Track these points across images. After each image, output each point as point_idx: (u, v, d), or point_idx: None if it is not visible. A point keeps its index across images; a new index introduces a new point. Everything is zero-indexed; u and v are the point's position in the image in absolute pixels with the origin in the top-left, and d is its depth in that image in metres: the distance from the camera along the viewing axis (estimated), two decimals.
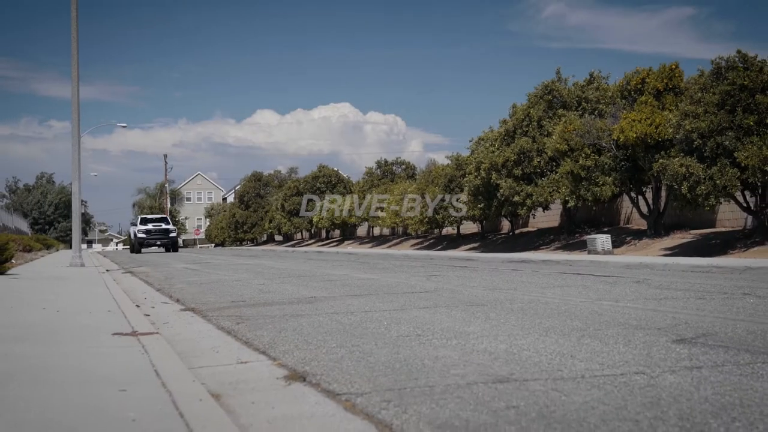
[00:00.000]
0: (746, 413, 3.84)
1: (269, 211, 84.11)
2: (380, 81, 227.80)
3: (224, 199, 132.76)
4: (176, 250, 58.43)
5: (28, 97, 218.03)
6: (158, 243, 57.91)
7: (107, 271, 22.99)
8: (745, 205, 25.51)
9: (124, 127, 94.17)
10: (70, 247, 28.62)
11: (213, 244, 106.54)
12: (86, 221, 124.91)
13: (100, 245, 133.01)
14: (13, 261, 22.82)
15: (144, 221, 61.14)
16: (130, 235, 62.08)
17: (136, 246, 57.95)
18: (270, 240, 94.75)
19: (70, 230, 27.94)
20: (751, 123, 22.58)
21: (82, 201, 36.47)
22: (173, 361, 5.52)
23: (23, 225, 77.22)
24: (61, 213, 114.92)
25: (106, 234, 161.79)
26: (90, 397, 4.32)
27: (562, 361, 5.49)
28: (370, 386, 4.82)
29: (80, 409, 4.04)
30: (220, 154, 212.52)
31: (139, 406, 4.08)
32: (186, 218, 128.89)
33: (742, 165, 22.41)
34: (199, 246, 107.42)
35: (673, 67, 30.22)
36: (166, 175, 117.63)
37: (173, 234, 59.93)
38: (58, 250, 64.93)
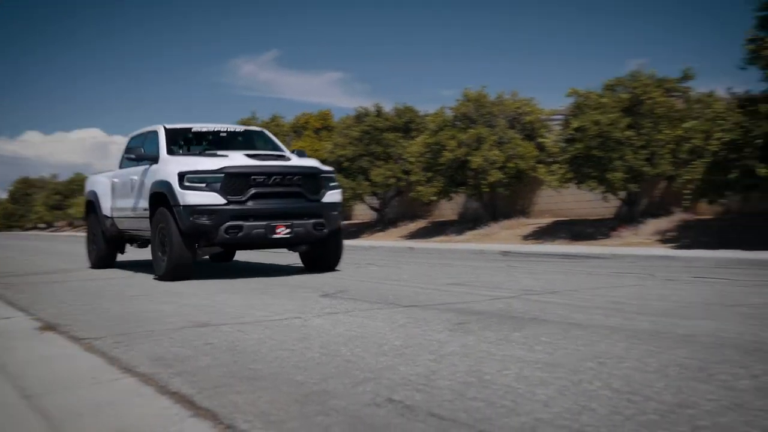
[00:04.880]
0: (365, 342, 4.09)
1: (35, 205, 77.59)
2: (122, 112, 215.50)
3: None
4: (339, 250, 9.41)
5: None
6: (288, 234, 8.00)
7: None
8: (373, 206, 26.81)
9: None
10: None
11: None
12: None
13: None
14: None
15: (203, 137, 9.62)
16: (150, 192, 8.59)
17: (189, 226, 7.77)
18: (35, 227, 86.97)
19: None
20: (380, 152, 23.81)
21: None
22: None
23: None
24: None
25: None
26: None
27: (246, 311, 5.56)
28: (106, 332, 4.63)
29: None
30: None
31: None
32: None
33: (373, 181, 23.61)
34: None
35: (327, 112, 31.42)
36: None
37: (336, 199, 8.66)
38: None
